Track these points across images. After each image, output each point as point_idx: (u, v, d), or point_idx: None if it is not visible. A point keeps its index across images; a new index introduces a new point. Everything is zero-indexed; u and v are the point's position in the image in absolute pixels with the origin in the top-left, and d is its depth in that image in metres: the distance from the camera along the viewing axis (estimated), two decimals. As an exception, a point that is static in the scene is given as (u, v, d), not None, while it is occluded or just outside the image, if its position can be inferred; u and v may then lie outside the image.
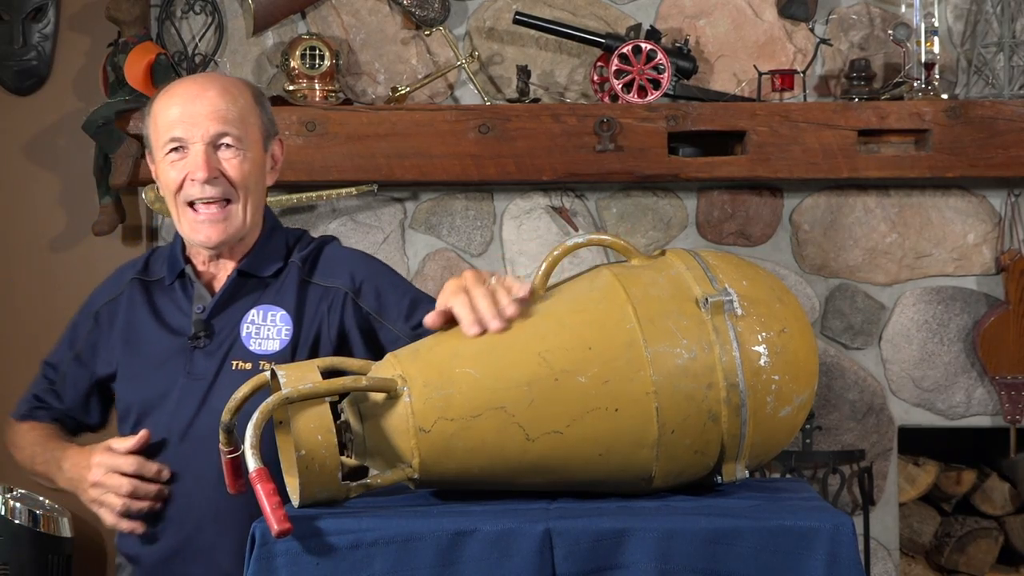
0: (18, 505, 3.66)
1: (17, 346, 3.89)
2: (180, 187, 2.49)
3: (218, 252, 2.55)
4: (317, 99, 3.88)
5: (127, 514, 2.47)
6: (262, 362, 2.48)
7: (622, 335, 2.00)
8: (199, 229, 2.51)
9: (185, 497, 2.49)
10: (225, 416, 2.07)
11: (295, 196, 3.90)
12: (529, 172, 3.85)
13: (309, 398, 1.95)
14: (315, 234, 3.80)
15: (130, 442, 2.48)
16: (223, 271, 2.58)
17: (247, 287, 2.56)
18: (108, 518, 2.48)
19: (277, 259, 2.58)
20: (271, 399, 1.95)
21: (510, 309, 2.02)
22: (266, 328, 2.51)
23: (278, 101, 3.90)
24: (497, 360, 2.01)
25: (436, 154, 3.83)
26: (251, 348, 2.50)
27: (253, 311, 2.53)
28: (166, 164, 2.50)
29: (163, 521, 2.50)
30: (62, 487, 2.60)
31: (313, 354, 2.49)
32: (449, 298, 2.06)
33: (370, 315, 2.53)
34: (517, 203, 4.06)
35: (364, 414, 2.01)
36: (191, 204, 2.50)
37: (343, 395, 2.02)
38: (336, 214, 4.01)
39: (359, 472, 2.11)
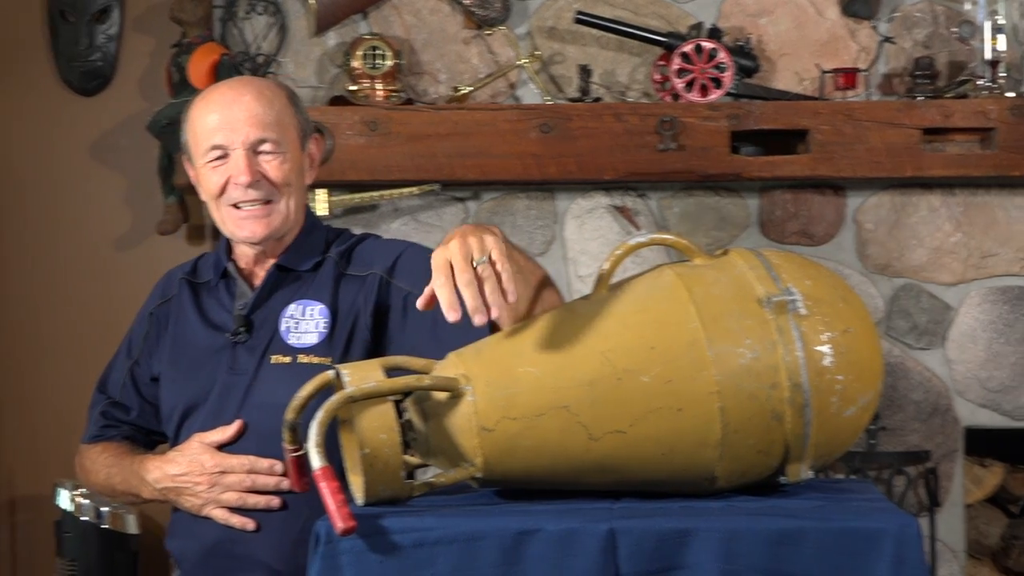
0: (85, 502, 3.70)
1: (83, 345, 3.92)
2: (223, 191, 2.51)
3: (262, 249, 2.57)
4: (379, 99, 3.90)
5: (238, 510, 2.47)
6: (300, 355, 2.49)
7: (685, 335, 1.99)
8: (243, 226, 2.53)
9: None
10: (289, 415, 2.09)
11: (357, 196, 3.91)
12: (591, 171, 3.85)
13: (372, 397, 1.96)
14: (378, 233, 3.84)
15: (223, 434, 2.48)
16: (264, 269, 2.60)
17: (286, 282, 2.58)
18: (221, 516, 2.47)
19: (315, 254, 2.59)
20: (335, 398, 1.96)
21: (495, 310, 1.95)
22: (304, 322, 2.52)
23: (340, 101, 3.92)
24: (560, 359, 2.01)
25: (497, 153, 3.84)
26: (290, 342, 2.51)
27: (292, 305, 2.55)
28: (207, 170, 2.52)
29: (205, 517, 2.51)
30: (148, 499, 2.59)
31: (350, 346, 2.50)
32: (433, 275, 2.00)
33: (408, 293, 2.50)
34: (579, 202, 4.06)
35: (427, 413, 2.02)
36: (234, 205, 2.53)
37: (406, 394, 2.02)
38: (398, 214, 4.03)
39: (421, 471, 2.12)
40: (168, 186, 3.87)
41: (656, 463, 2.00)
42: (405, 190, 3.92)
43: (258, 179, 2.49)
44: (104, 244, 4.08)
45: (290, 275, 2.58)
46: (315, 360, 2.48)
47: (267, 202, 2.52)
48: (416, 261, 2.54)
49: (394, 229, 4.01)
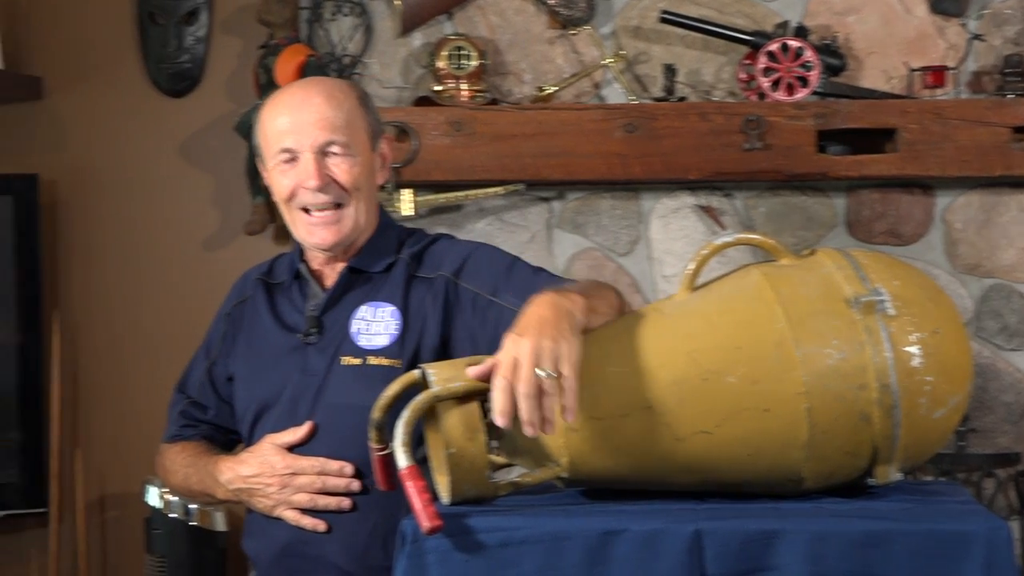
0: (174, 499, 3.73)
1: (171, 344, 3.96)
2: (293, 195, 2.52)
3: (333, 253, 2.58)
4: (464, 99, 3.91)
5: (310, 511, 2.48)
6: (370, 357, 2.49)
7: (772, 335, 1.99)
8: (314, 232, 2.54)
9: None
10: (375, 414, 2.10)
11: (442, 196, 3.93)
12: (676, 171, 3.84)
13: (458, 396, 1.97)
14: (462, 234, 3.86)
15: (295, 435, 2.49)
16: (336, 270, 2.61)
17: (358, 283, 2.58)
18: (292, 517, 2.48)
19: (387, 255, 2.59)
20: (421, 397, 1.98)
21: (549, 427, 1.92)
22: (375, 324, 2.53)
23: (425, 101, 3.93)
24: (645, 359, 2.01)
25: (582, 153, 3.84)
26: (360, 343, 2.51)
27: (363, 307, 2.55)
28: (277, 172, 2.54)
29: (278, 519, 2.52)
30: (223, 499, 2.61)
31: (420, 348, 2.50)
32: (498, 367, 1.95)
33: (477, 294, 2.51)
34: (664, 202, 4.05)
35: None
36: (305, 209, 2.54)
37: (492, 393, 2.03)
38: (483, 214, 4.04)
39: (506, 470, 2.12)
40: (256, 186, 3.90)
41: (742, 464, 1.99)
42: (490, 190, 3.92)
43: (327, 182, 2.50)
44: (192, 244, 4.12)
45: (362, 276, 2.58)
46: (385, 362, 2.49)
47: (337, 206, 2.53)
48: (483, 262, 2.56)
49: (478, 229, 4.02)
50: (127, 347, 4.12)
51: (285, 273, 2.67)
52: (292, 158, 2.51)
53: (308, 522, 2.48)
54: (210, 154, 4.12)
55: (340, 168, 2.51)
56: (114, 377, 4.11)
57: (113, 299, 4.13)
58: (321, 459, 2.47)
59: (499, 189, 3.92)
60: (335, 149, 2.50)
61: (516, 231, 4.03)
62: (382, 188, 2.74)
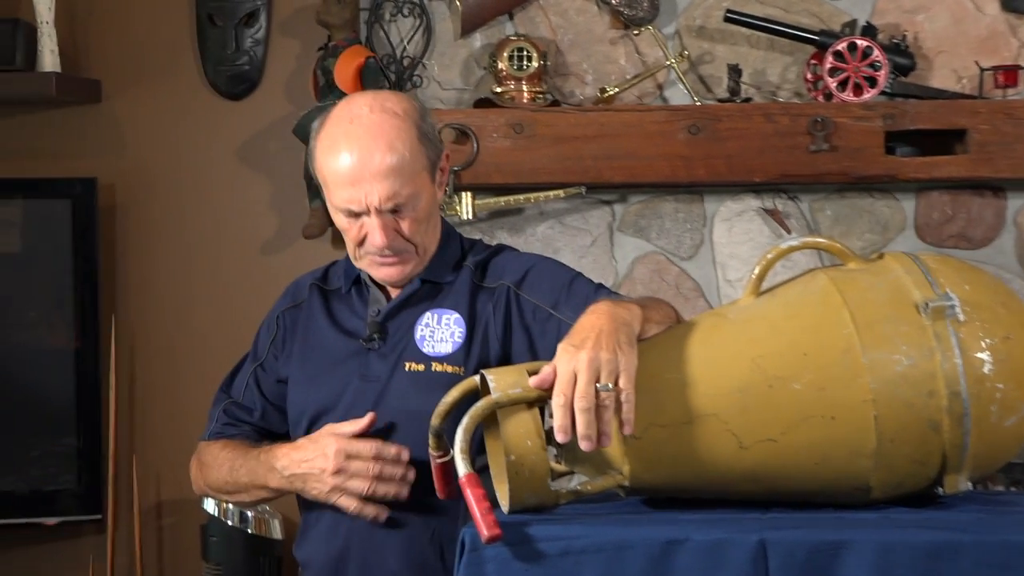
0: (231, 507, 3.75)
1: (228, 349, 3.97)
2: (358, 243, 2.53)
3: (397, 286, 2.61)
4: (525, 101, 3.91)
5: (371, 499, 2.46)
6: (434, 364, 2.50)
7: (839, 341, 1.98)
8: (379, 271, 2.57)
9: None
10: (435, 420, 2.10)
11: (503, 199, 3.92)
12: (740, 173, 3.82)
13: (518, 403, 1.97)
14: (523, 237, 3.86)
15: (356, 426, 2.48)
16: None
17: (422, 291, 2.59)
18: (351, 505, 2.46)
19: (453, 265, 2.61)
20: (480, 404, 1.97)
21: (605, 439, 1.95)
22: (440, 331, 2.54)
23: (485, 103, 3.93)
24: (709, 365, 2.00)
25: (645, 155, 3.82)
26: (424, 350, 2.52)
27: (428, 314, 2.56)
28: (340, 216, 2.53)
29: (334, 523, 2.53)
30: (276, 488, 2.58)
31: (484, 355, 2.51)
32: (557, 381, 1.98)
33: (537, 307, 2.52)
34: (728, 205, 4.03)
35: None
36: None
37: (552, 400, 2.02)
38: (544, 217, 4.03)
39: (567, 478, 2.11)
40: (314, 190, 3.91)
41: (808, 473, 1.98)
42: (551, 193, 3.91)
43: (394, 239, 2.50)
44: (249, 247, 4.13)
45: (426, 285, 2.59)
46: (448, 369, 2.50)
47: (403, 251, 2.54)
48: (544, 276, 2.57)
49: (539, 232, 4.01)
50: (183, 352, 4.14)
51: (341, 279, 2.68)
52: (357, 214, 2.50)
53: (371, 510, 2.45)
54: (268, 157, 4.13)
55: (405, 223, 2.50)
56: (169, 382, 4.12)
57: (169, 303, 4.15)
58: (378, 442, 2.45)
59: (560, 192, 3.91)
60: (400, 204, 2.48)
61: (577, 235, 4.02)
62: (455, 192, 2.74)
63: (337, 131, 2.49)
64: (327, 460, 2.46)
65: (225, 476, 2.64)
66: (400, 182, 2.46)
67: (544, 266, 2.61)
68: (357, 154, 2.46)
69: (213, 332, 4.11)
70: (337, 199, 2.49)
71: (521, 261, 2.62)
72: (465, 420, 1.96)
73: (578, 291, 2.52)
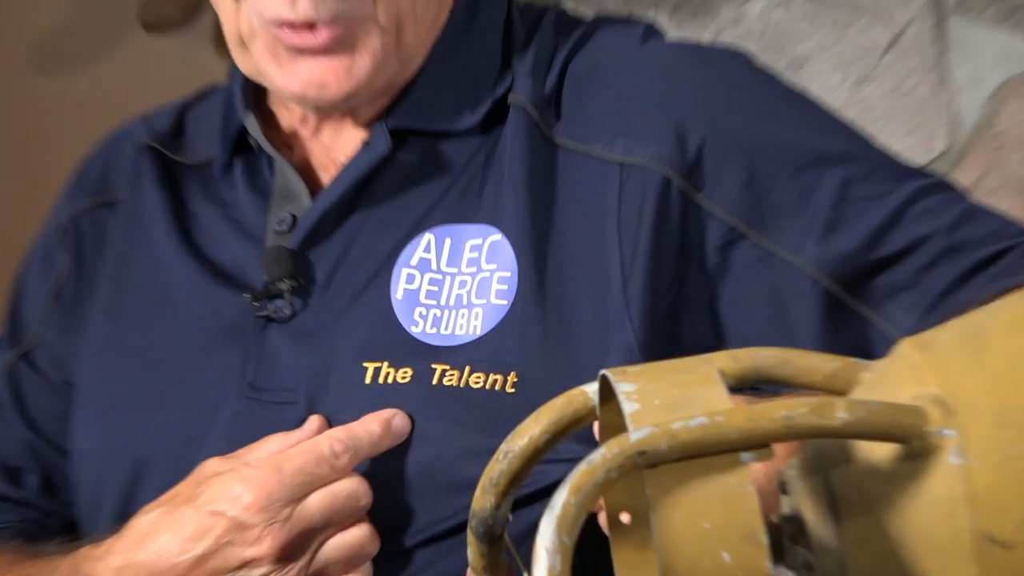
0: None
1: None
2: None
3: (339, 110, 1.31)
4: None
5: None
6: (440, 365, 1.20)
7: None
8: (291, 72, 1.24)
9: None
10: (484, 503, 0.92)
11: None
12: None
13: (700, 454, 0.83)
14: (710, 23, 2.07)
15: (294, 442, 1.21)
16: (344, 136, 1.34)
17: (404, 170, 1.28)
18: None
19: (482, 91, 1.29)
20: (602, 455, 0.82)
21: None
22: (460, 278, 1.23)
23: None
24: None
25: None
26: (413, 329, 1.21)
27: (427, 235, 1.26)
28: None
29: None
30: None
31: (599, 338, 1.20)
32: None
33: (735, 228, 1.21)
34: None
35: (842, 496, 0.88)
36: (282, 25, 1.23)
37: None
38: None
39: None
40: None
41: None
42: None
43: None
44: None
45: (414, 150, 1.29)
46: (487, 380, 1.18)
47: (349, 27, 1.23)
48: (763, 135, 1.22)
49: (754, 11, 2.62)
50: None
51: (215, 135, 1.36)
52: None
53: None
54: None
55: None
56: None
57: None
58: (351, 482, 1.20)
59: None
60: None
61: (854, 15, 2.60)
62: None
63: None
64: (254, 530, 1.15)
65: None
66: None
67: (762, 119, 1.22)
68: None
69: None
70: None
71: (687, 85, 1.24)
72: (564, 495, 0.81)
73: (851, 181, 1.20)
